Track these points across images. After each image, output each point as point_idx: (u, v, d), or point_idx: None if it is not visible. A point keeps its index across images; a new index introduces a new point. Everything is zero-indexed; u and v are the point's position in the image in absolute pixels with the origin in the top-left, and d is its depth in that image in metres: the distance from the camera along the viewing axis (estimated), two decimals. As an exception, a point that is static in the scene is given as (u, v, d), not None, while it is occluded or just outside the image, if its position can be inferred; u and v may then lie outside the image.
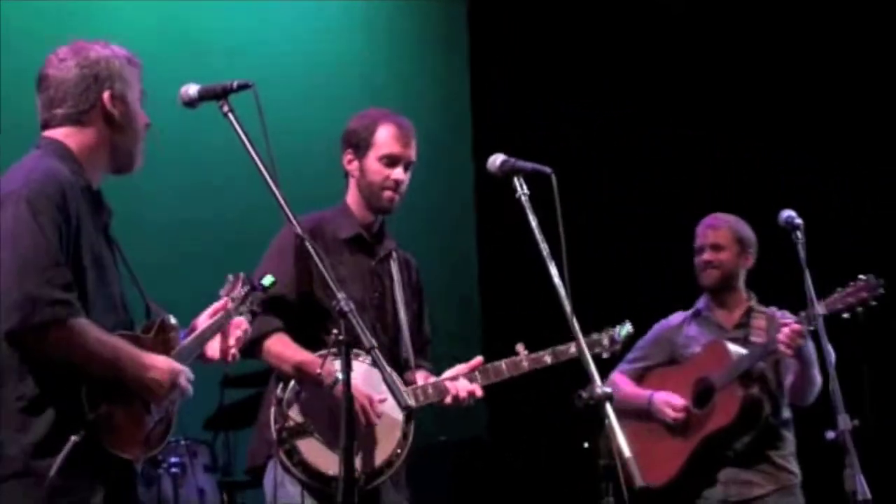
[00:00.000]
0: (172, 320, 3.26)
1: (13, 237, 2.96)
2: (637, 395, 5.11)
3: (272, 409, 3.95)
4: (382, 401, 3.93)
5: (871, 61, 7.22)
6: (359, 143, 4.15)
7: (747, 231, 5.08)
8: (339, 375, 3.23)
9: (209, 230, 7.02)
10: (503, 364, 4.19)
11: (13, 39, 6.26)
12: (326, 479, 3.84)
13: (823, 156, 7.17)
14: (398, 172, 4.14)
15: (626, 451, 3.10)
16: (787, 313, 4.87)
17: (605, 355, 4.42)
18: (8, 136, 5.23)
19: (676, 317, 5.22)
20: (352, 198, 4.22)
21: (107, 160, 3.26)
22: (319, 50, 7.84)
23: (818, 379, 4.85)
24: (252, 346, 3.95)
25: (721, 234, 5.05)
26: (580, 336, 3.30)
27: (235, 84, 3.32)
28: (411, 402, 3.82)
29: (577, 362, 3.27)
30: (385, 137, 4.14)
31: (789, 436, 5.01)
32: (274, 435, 3.92)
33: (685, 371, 5.05)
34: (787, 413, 4.99)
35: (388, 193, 4.14)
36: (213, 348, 3.38)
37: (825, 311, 4.58)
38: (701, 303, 5.15)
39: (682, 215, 5.42)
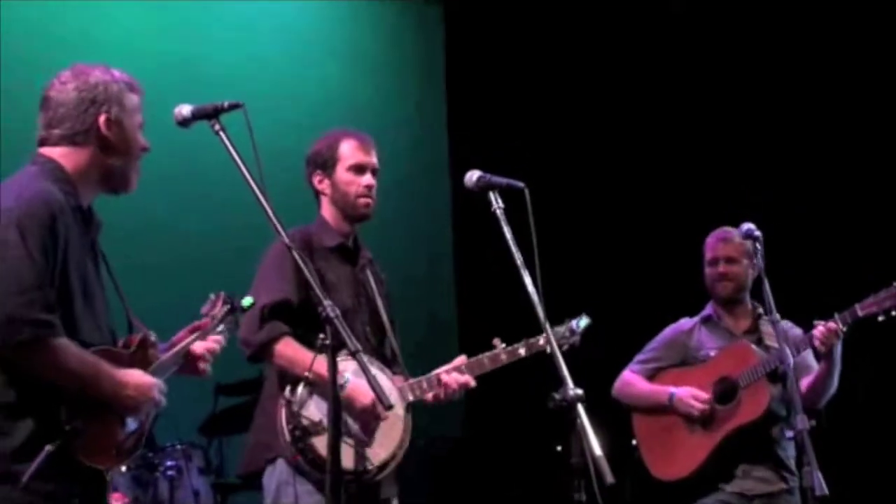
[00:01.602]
0: (153, 337, 3.36)
1: (4, 259, 3.03)
2: (656, 391, 5.24)
3: (283, 412, 4.05)
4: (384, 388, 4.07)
5: (855, 73, 7.33)
6: (325, 162, 4.34)
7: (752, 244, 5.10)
8: (347, 376, 3.34)
9: (203, 241, 7.16)
10: (484, 358, 4.38)
11: (13, 63, 6.38)
12: (343, 474, 3.89)
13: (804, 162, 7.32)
14: (367, 178, 4.34)
15: (597, 450, 3.19)
16: (788, 322, 5.01)
17: (564, 347, 4.50)
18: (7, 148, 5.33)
19: (686, 322, 5.37)
20: (327, 213, 4.38)
21: (100, 180, 3.34)
22: (302, 73, 8.00)
23: (836, 385, 5.02)
24: (262, 350, 4.12)
25: (733, 247, 5.18)
26: (552, 338, 3.44)
27: (226, 104, 3.43)
28: (394, 403, 3.95)
29: (552, 365, 3.37)
30: (349, 149, 4.35)
31: (792, 441, 5.10)
32: (288, 436, 4.02)
33: (705, 371, 5.17)
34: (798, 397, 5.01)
35: (363, 200, 4.35)
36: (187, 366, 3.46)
37: (861, 314, 4.77)
38: (709, 310, 5.32)
39: (653, 227, 5.55)
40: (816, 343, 4.84)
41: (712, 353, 5.20)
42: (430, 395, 4.29)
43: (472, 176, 3.68)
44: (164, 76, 6.92)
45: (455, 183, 8.15)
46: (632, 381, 5.33)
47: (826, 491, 4.21)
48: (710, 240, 5.29)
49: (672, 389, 5.17)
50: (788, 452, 5.09)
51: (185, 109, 3.49)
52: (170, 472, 6.00)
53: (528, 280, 3.47)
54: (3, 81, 6.23)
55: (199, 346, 3.45)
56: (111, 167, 3.33)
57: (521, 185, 3.61)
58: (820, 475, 4.22)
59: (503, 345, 4.41)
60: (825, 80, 7.36)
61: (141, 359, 3.30)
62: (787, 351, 4.56)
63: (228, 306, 3.51)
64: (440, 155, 8.51)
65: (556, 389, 3.29)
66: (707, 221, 5.40)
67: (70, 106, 3.29)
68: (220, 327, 3.50)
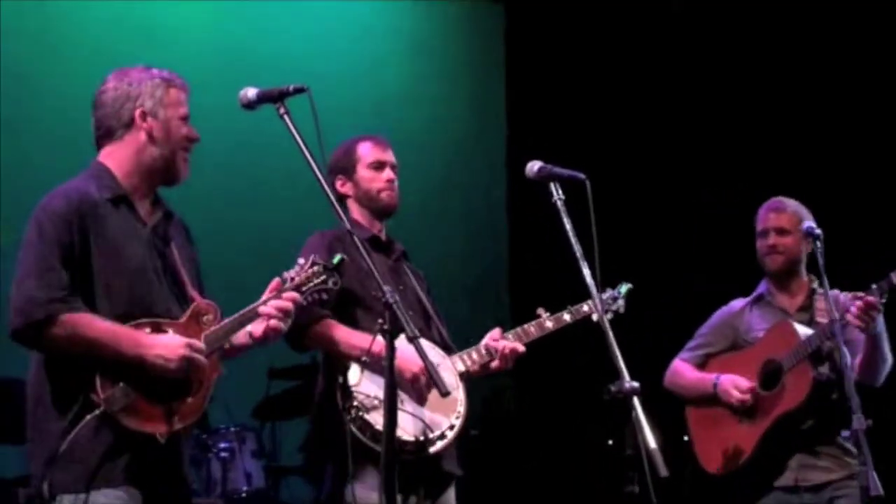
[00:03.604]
0: (211, 305, 3.46)
1: (24, 255, 3.33)
2: (702, 379, 4.95)
3: (338, 394, 4.08)
4: (437, 365, 4.10)
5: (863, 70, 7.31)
6: (346, 166, 4.45)
7: (809, 215, 4.90)
8: (395, 344, 3.35)
9: (253, 235, 7.24)
10: (530, 326, 4.43)
11: (71, 46, 6.47)
12: (400, 445, 3.98)
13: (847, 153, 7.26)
14: (388, 173, 4.45)
15: (652, 443, 3.20)
16: (847, 294, 4.68)
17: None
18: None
19: (737, 303, 5.06)
20: (356, 214, 4.44)
21: (147, 172, 3.51)
22: (363, 65, 8.05)
23: (889, 356, 4.74)
24: (299, 335, 4.13)
25: (786, 217, 4.88)
26: (610, 335, 3.42)
27: (292, 88, 3.48)
28: (452, 390, 3.94)
29: (609, 360, 3.36)
30: (366, 149, 4.47)
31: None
32: (343, 414, 4.04)
33: (751, 354, 4.87)
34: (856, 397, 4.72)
35: (386, 193, 4.44)
36: (257, 328, 3.51)
37: None
38: (762, 287, 5.00)
39: (715, 217, 5.42)
40: (853, 321, 4.52)
41: (761, 335, 4.89)
42: (479, 365, 4.32)
43: (534, 166, 3.69)
44: (222, 61, 7.01)
45: (512, 175, 8.18)
46: (680, 370, 5.04)
47: (881, 492, 4.12)
48: (762, 210, 4.97)
49: (716, 377, 4.89)
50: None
51: (251, 92, 3.54)
52: (223, 454, 6.09)
53: (586, 272, 3.47)
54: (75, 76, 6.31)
55: (267, 307, 3.48)
56: (153, 157, 3.51)
57: (582, 176, 3.62)
58: (875, 475, 4.12)
59: (547, 313, 4.46)
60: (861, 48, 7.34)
61: (193, 328, 3.41)
62: (846, 350, 4.37)
63: (318, 268, 3.54)
64: (498, 147, 8.52)
65: (612, 382, 3.29)
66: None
67: (109, 105, 3.51)
68: (311, 284, 3.52)
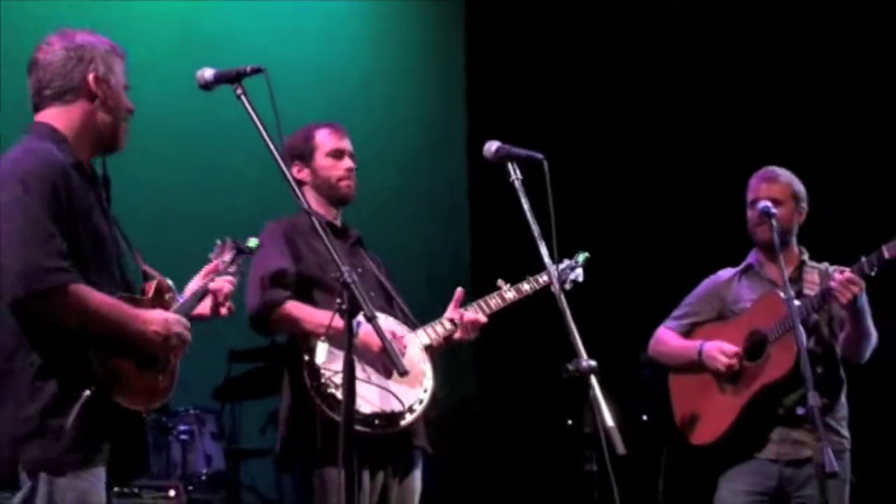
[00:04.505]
0: (168, 282, 3.46)
1: (9, 215, 3.12)
2: (686, 346, 4.90)
3: (305, 373, 4.11)
4: (402, 337, 4.19)
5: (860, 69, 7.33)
6: (303, 153, 4.48)
7: (801, 185, 4.87)
8: (359, 319, 3.38)
9: (211, 218, 7.21)
10: (491, 298, 4.50)
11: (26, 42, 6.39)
12: (369, 418, 4.05)
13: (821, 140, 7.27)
14: (347, 162, 4.49)
15: (609, 421, 3.21)
16: (839, 267, 4.65)
17: (567, 285, 4.63)
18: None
19: (725, 272, 5.00)
20: (311, 201, 4.39)
21: (91, 138, 3.40)
22: (322, 43, 8.01)
23: (874, 333, 4.72)
24: (265, 317, 4.21)
25: (778, 188, 4.81)
26: (567, 312, 3.43)
27: (249, 69, 3.47)
28: (409, 369, 3.96)
29: (566, 337, 3.38)
30: (325, 137, 4.50)
31: (842, 398, 4.78)
32: (314, 393, 4.09)
33: (737, 324, 4.83)
34: (840, 373, 4.76)
35: (345, 182, 4.48)
36: (205, 306, 3.57)
37: (889, 256, 4.45)
38: (752, 258, 4.94)
39: (673, 198, 5.41)
40: (835, 293, 4.50)
41: (748, 306, 4.85)
42: (444, 337, 4.37)
43: (492, 146, 3.70)
44: (183, 45, 6.97)
45: (471, 156, 8.18)
46: (664, 337, 4.98)
47: (836, 468, 4.15)
48: (753, 180, 4.88)
49: (700, 343, 4.84)
50: (838, 413, 4.76)
51: (208, 73, 3.51)
52: (183, 437, 6.08)
53: (544, 251, 3.50)
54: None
55: (216, 285, 3.56)
56: (102, 124, 3.40)
57: (540, 156, 3.62)
58: (830, 452, 4.14)
59: (507, 284, 4.52)
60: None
61: (159, 305, 3.38)
62: (801, 329, 4.36)
63: (235, 250, 3.66)
64: (459, 133, 8.51)
65: (569, 360, 3.30)
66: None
67: (57, 65, 3.36)
68: (233, 268, 3.65)
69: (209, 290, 3.55)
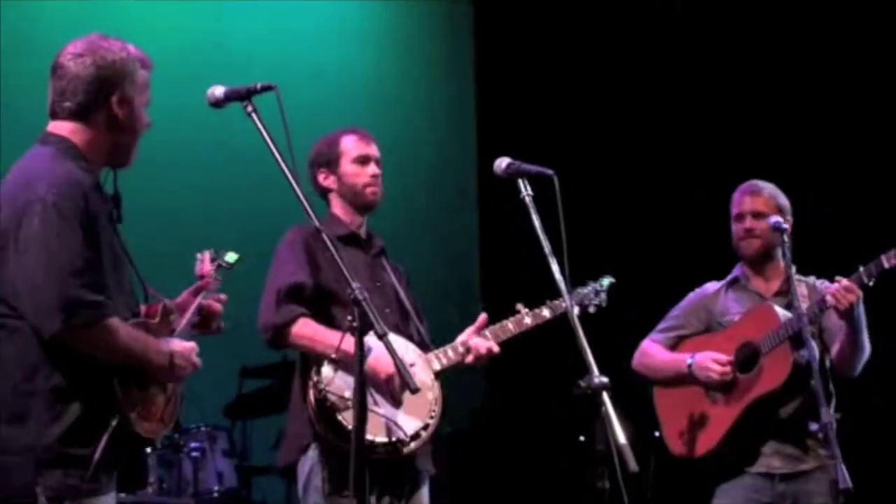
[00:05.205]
0: (170, 304, 3.43)
1: (44, 242, 3.05)
2: (674, 359, 4.82)
3: (310, 392, 4.10)
4: (411, 364, 4.10)
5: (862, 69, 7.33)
6: (329, 160, 4.44)
7: (785, 199, 4.83)
8: (370, 344, 3.34)
9: (224, 234, 7.22)
10: (509, 322, 4.41)
11: (40, 40, 6.42)
12: (370, 446, 3.97)
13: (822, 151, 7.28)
14: (372, 168, 4.44)
15: (622, 438, 3.18)
16: (826, 282, 4.59)
17: (591, 309, 4.59)
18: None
19: (711, 285, 4.95)
20: (337, 208, 4.44)
21: (107, 156, 3.35)
22: (331, 60, 8.05)
23: (868, 346, 4.62)
24: (279, 333, 4.16)
25: (762, 201, 4.78)
26: (569, 300, 3.45)
27: (259, 86, 3.43)
28: (420, 386, 3.97)
29: (578, 355, 3.35)
30: (351, 143, 4.45)
31: (831, 411, 4.61)
32: (312, 414, 4.07)
33: (726, 337, 4.75)
34: (830, 387, 4.67)
35: (370, 189, 4.43)
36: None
37: (888, 266, 4.39)
38: (737, 271, 4.89)
39: (683, 215, 5.39)
40: (831, 303, 4.41)
41: (736, 318, 4.77)
42: (455, 363, 4.31)
43: (502, 163, 3.67)
44: (192, 58, 6.99)
45: (482, 171, 8.18)
46: (651, 350, 4.88)
47: (850, 485, 4.11)
48: (736, 194, 4.85)
49: (690, 356, 4.74)
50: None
51: (218, 91, 3.49)
52: (194, 454, 6.08)
53: (555, 268, 3.46)
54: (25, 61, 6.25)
55: (206, 302, 3.52)
56: (118, 144, 3.35)
57: (550, 172, 3.60)
58: (844, 468, 4.10)
59: (526, 309, 4.45)
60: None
61: (165, 327, 3.37)
62: (813, 344, 4.34)
63: (217, 264, 3.61)
64: (468, 143, 8.53)
65: (581, 377, 3.27)
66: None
67: (85, 81, 3.27)
68: (214, 282, 3.59)
69: (202, 306, 3.51)
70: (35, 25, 6.75)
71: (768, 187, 4.84)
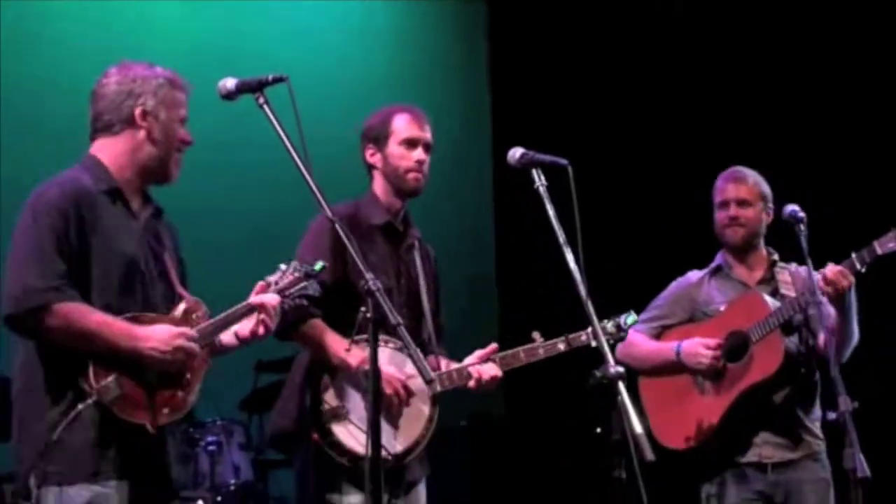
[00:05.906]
0: (198, 303, 3.52)
1: (18, 241, 3.35)
2: (661, 348, 4.78)
3: (307, 396, 4.10)
4: (411, 377, 4.08)
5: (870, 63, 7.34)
6: (378, 136, 4.30)
7: (767, 186, 4.81)
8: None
9: (248, 224, 7.24)
10: (521, 351, 4.27)
11: (52, 50, 6.44)
12: (358, 459, 3.96)
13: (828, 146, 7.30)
14: (419, 153, 4.29)
15: (638, 428, 3.19)
16: (809, 269, 4.45)
17: (610, 342, 4.40)
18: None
19: (693, 274, 4.90)
20: (378, 188, 4.34)
21: (139, 170, 3.53)
22: (346, 51, 8.05)
23: (856, 334, 4.59)
24: (288, 331, 4.11)
25: (746, 188, 4.75)
26: (594, 318, 3.42)
27: (271, 77, 3.46)
28: (435, 377, 3.97)
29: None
30: (402, 124, 4.31)
31: (817, 400, 4.72)
32: (310, 419, 4.08)
33: (713, 325, 4.72)
34: (817, 375, 4.68)
35: (413, 174, 4.28)
36: (244, 328, 3.57)
37: (881, 252, 4.37)
38: (720, 259, 4.85)
39: (696, 205, 5.39)
40: (823, 287, 4.37)
41: (722, 307, 4.73)
42: (456, 386, 4.24)
43: (516, 153, 3.66)
44: (202, 57, 6.98)
45: (497, 168, 8.18)
46: (635, 340, 4.74)
47: (868, 473, 4.06)
48: (720, 181, 4.82)
49: (677, 344, 4.69)
50: (814, 414, 4.69)
51: (230, 83, 3.52)
52: (210, 448, 6.09)
53: (570, 258, 3.44)
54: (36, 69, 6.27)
55: (258, 300, 3.54)
56: (147, 156, 3.52)
57: (564, 161, 3.58)
58: (862, 457, 4.05)
59: (542, 339, 4.28)
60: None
61: (185, 322, 3.45)
62: (830, 309, 4.28)
63: (299, 273, 3.61)
64: (483, 140, 8.51)
65: (597, 367, 3.28)
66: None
67: (109, 98, 3.51)
68: (294, 290, 3.62)
69: (253, 306, 3.53)
70: (38, 28, 6.76)
71: (752, 174, 4.82)
